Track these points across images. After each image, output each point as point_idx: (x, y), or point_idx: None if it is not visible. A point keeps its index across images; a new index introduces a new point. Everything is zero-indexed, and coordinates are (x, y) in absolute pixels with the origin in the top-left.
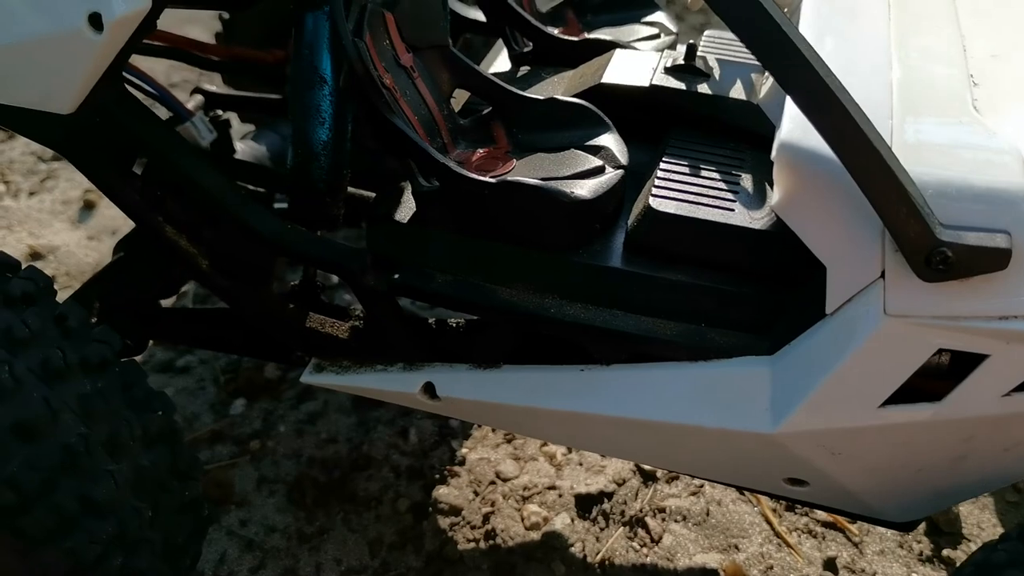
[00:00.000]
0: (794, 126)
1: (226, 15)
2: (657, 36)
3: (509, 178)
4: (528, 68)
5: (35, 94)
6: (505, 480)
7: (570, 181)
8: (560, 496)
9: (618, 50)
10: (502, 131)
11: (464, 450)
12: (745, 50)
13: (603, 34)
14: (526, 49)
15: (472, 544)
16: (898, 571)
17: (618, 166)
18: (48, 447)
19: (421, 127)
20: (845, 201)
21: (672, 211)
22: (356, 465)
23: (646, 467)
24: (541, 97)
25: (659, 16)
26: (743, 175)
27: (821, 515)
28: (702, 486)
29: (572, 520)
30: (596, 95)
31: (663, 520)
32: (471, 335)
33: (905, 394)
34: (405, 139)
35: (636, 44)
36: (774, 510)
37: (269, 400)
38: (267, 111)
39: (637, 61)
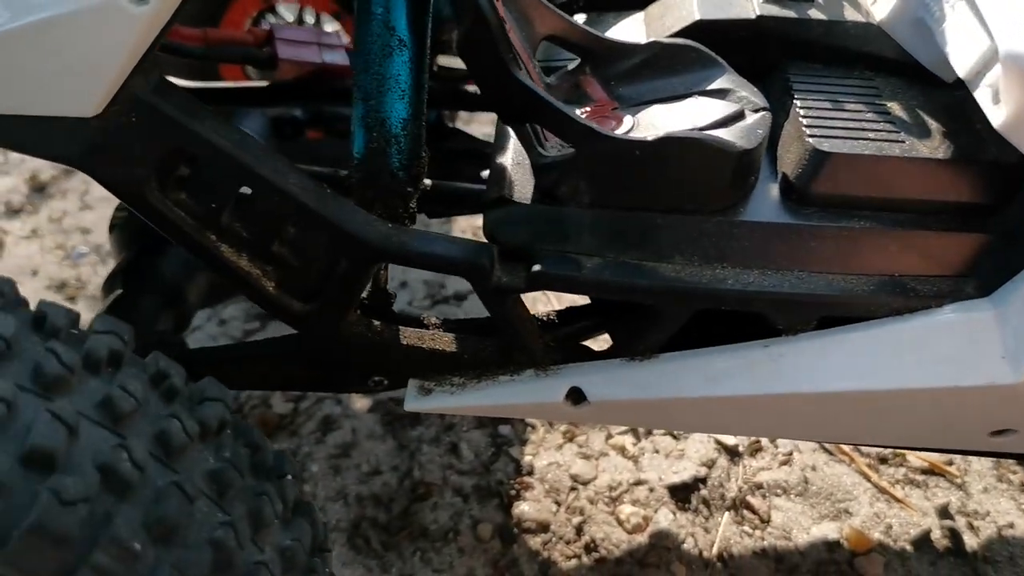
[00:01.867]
0: (1016, 35)
1: None
2: None
3: (668, 133)
4: (584, 16)
5: (48, 95)
6: (584, 483)
7: (718, 131)
8: (652, 491)
9: None
10: (597, 85)
11: (528, 457)
12: None
13: None
14: None
15: (575, 561)
16: (1007, 506)
17: (758, 108)
18: (194, 547)
19: None
20: None
21: (844, 151)
22: (415, 495)
23: (728, 441)
24: (641, 42)
25: None
26: (888, 103)
27: (916, 462)
28: (791, 453)
29: (674, 514)
30: (694, 34)
31: (764, 497)
32: (615, 324)
33: None
34: (538, 102)
35: None
36: (869, 465)
37: (288, 438)
38: (246, 102)
39: None
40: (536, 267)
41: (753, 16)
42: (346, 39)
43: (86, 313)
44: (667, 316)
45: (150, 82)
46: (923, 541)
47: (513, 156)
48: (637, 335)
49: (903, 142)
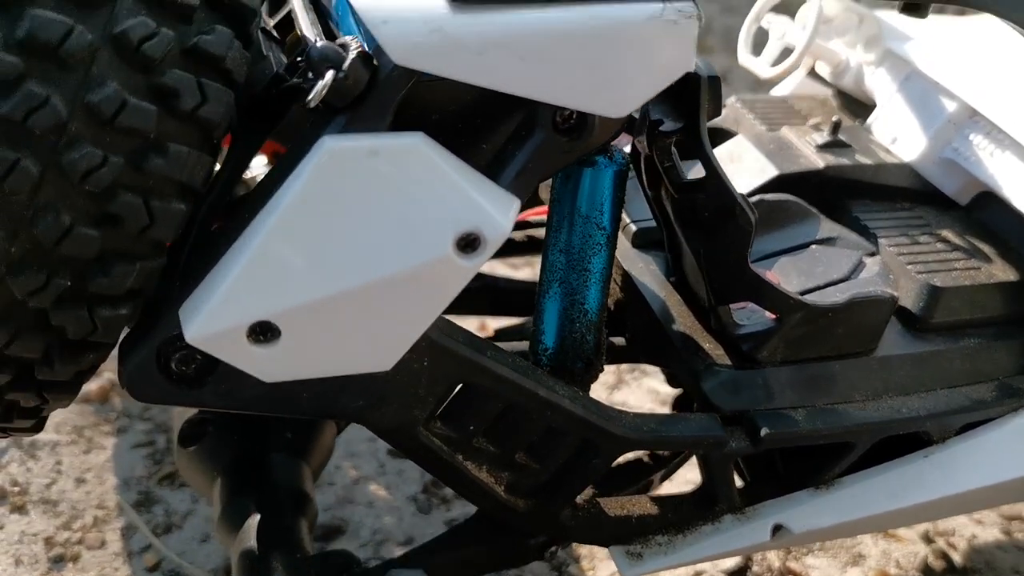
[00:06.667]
0: None
1: None
2: None
3: (853, 296)
4: None
5: (350, 354)
6: None
7: (859, 280)
8: None
9: (740, 136)
10: None
11: (589, 573)
12: (777, 113)
13: None
14: None
15: None
16: (962, 520)
17: (869, 252)
18: None
19: None
20: None
21: (951, 284)
22: None
23: None
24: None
25: None
26: (942, 232)
27: None
28: None
29: None
30: (775, 186)
31: (797, 559)
32: (798, 462)
33: None
34: (763, 286)
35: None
36: None
37: None
38: None
39: (779, 144)
40: (765, 430)
41: (821, 165)
42: None
43: (41, 523)
44: (859, 447)
45: (439, 324)
46: (926, 567)
47: (683, 323)
48: (825, 467)
49: (979, 268)
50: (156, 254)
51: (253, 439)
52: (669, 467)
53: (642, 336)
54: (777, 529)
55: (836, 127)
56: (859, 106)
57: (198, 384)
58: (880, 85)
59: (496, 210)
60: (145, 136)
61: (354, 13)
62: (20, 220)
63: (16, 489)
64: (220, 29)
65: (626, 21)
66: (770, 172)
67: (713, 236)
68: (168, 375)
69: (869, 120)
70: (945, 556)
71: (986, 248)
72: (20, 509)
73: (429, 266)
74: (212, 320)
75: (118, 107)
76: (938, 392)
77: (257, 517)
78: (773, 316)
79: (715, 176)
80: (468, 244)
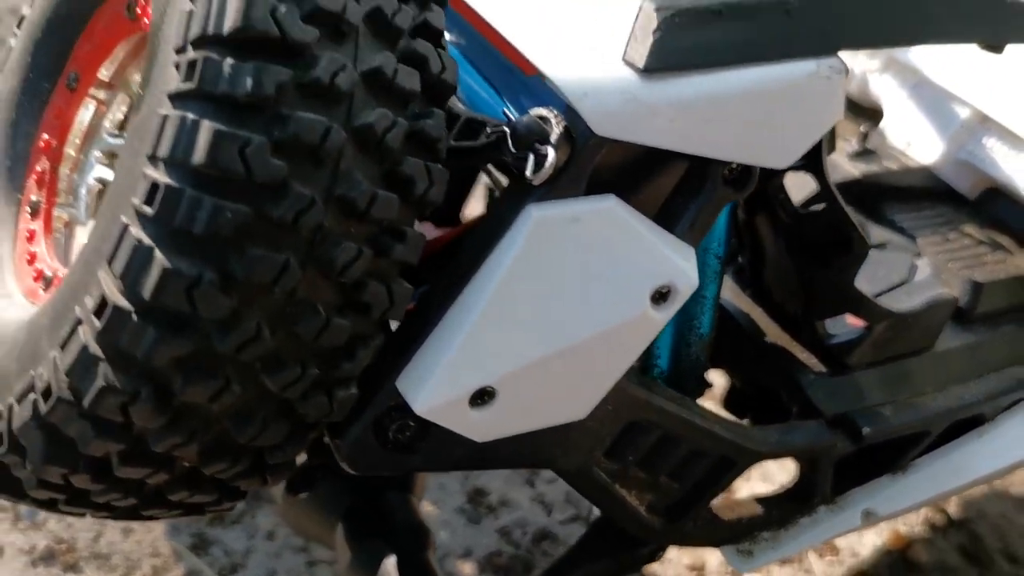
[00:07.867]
0: None
1: None
2: None
3: (929, 299)
4: None
5: (554, 407)
6: (701, 568)
7: (920, 283)
8: None
9: None
10: None
11: None
12: None
13: None
14: None
15: None
16: None
17: (916, 254)
18: None
19: None
20: None
21: (990, 278)
22: None
23: None
24: None
25: None
26: (963, 227)
27: None
28: None
29: (779, 566)
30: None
31: None
32: (875, 451)
33: None
34: (862, 300)
35: None
36: None
37: None
38: None
39: None
40: (866, 429)
41: (858, 174)
42: None
43: None
44: (933, 434)
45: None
46: (929, 522)
47: (772, 335)
48: (904, 454)
49: (1004, 260)
50: (382, 332)
51: (367, 480)
52: None
53: (724, 346)
54: (866, 514)
55: (864, 137)
56: (859, 110)
57: (411, 450)
58: (887, 92)
59: (684, 262)
60: (384, 224)
61: (524, 83)
62: (281, 318)
63: (63, 547)
64: (436, 112)
65: (790, 80)
66: (813, 184)
67: (823, 260)
68: (384, 444)
69: (881, 125)
70: (942, 510)
71: (1004, 240)
72: (73, 568)
73: (630, 321)
74: (439, 391)
75: (369, 200)
76: (988, 376)
77: (393, 558)
78: (859, 324)
79: (836, 207)
80: (661, 297)
